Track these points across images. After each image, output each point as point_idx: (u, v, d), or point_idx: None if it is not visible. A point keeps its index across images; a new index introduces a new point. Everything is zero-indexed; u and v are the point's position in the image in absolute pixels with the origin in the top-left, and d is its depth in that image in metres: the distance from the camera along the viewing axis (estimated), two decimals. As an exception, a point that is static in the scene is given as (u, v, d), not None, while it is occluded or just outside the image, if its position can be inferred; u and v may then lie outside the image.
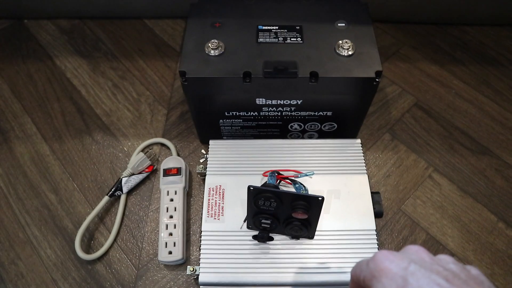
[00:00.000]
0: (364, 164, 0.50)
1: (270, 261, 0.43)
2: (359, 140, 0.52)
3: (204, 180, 0.49)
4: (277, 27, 0.51)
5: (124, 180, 0.55)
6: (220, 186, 0.48)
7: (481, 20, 0.75)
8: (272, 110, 0.52)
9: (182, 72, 0.46)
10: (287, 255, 0.43)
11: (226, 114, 0.53)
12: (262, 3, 0.54)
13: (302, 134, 0.57)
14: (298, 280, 0.42)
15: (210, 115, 0.54)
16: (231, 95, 0.49)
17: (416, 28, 0.75)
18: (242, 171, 0.49)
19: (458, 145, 0.61)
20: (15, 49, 0.74)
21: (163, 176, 0.54)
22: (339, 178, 0.48)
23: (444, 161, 0.59)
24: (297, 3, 0.54)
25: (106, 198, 0.54)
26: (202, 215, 0.46)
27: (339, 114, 0.53)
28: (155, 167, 0.58)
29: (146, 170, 0.57)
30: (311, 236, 0.44)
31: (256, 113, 0.52)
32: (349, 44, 0.48)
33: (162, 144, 0.61)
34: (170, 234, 0.50)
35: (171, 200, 0.53)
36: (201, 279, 0.42)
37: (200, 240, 0.44)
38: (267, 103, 0.50)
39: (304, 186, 0.46)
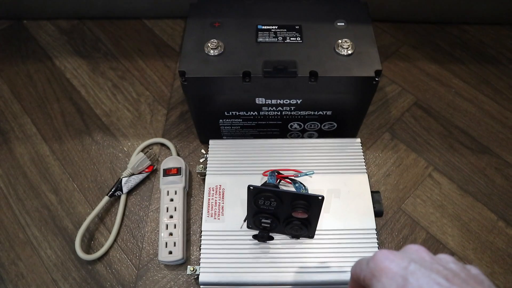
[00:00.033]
0: (364, 163, 0.50)
1: (270, 261, 0.43)
2: (359, 139, 0.52)
3: (204, 180, 0.49)
4: (276, 27, 0.51)
5: (124, 180, 0.55)
6: (220, 185, 0.48)
7: (480, 19, 0.75)
8: (272, 109, 0.52)
9: (181, 72, 0.47)
10: (287, 254, 0.43)
11: (226, 113, 0.53)
12: (261, 2, 0.54)
13: (302, 134, 0.57)
14: (298, 279, 0.42)
15: (210, 115, 0.54)
16: (230, 94, 0.49)
17: (416, 27, 0.75)
18: (242, 171, 0.49)
19: (458, 144, 0.61)
20: (14, 50, 0.74)
21: (163, 176, 0.54)
22: (339, 178, 0.48)
23: (444, 160, 0.59)
24: (296, 2, 0.54)
25: (106, 198, 0.54)
26: (202, 215, 0.46)
27: (339, 114, 0.53)
28: (155, 167, 0.58)
29: (146, 170, 0.57)
30: (311, 236, 0.44)
31: (255, 112, 0.53)
32: (348, 44, 0.48)
33: (162, 144, 0.61)
34: (170, 234, 0.50)
35: (171, 200, 0.53)
36: (202, 278, 0.42)
37: (200, 240, 0.45)
38: (266, 102, 0.50)
39: (304, 186, 0.46)
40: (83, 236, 0.52)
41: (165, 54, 0.72)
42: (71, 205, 0.56)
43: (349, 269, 0.31)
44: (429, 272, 0.23)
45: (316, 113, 0.52)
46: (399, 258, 0.25)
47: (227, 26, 0.51)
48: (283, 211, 0.41)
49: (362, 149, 0.51)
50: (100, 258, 0.51)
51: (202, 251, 0.44)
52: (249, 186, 0.39)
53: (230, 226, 0.45)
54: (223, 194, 0.47)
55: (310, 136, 0.58)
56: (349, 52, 0.48)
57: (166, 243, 0.49)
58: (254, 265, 0.43)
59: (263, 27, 0.51)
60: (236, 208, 0.46)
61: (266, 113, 0.53)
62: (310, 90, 0.48)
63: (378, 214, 0.46)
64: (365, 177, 0.48)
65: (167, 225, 0.51)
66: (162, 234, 0.50)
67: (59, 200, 0.56)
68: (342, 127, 0.55)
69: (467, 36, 0.74)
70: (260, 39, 0.50)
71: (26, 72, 0.71)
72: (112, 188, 0.55)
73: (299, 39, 0.50)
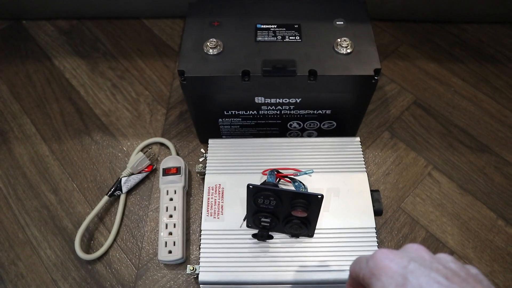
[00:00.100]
0: (364, 162, 0.50)
1: (269, 260, 0.43)
2: (358, 138, 0.52)
3: (203, 179, 0.49)
4: (275, 26, 0.51)
5: (123, 180, 0.55)
6: (220, 185, 0.48)
7: (479, 18, 0.75)
8: (271, 108, 0.52)
9: (180, 71, 0.46)
10: (287, 253, 0.43)
11: (225, 113, 0.53)
12: (260, 2, 0.54)
13: (301, 133, 0.57)
14: (298, 278, 0.42)
15: (209, 114, 0.54)
16: (230, 94, 0.49)
17: (415, 26, 0.75)
18: (242, 170, 0.49)
19: (457, 143, 0.61)
20: (13, 50, 0.74)
21: (163, 175, 0.54)
22: (338, 176, 0.48)
23: (444, 159, 0.59)
24: (295, 1, 0.54)
25: (105, 198, 0.54)
26: (201, 214, 0.46)
27: (338, 112, 0.53)
28: (154, 167, 0.58)
29: (146, 169, 0.57)
30: (310, 235, 0.44)
31: (255, 111, 0.52)
32: (347, 42, 0.48)
33: (162, 144, 0.61)
34: (170, 233, 0.50)
35: (171, 199, 0.53)
36: (201, 278, 0.42)
37: (200, 239, 0.44)
38: (266, 101, 0.50)
39: (303, 185, 0.46)
40: (82, 236, 0.52)
41: (164, 54, 0.72)
42: (71, 205, 0.56)
43: (348, 268, 0.31)
44: (429, 271, 0.23)
45: (315, 112, 0.52)
46: (398, 257, 0.25)
47: (226, 25, 0.51)
48: (282, 210, 0.41)
49: (361, 148, 0.51)
50: (99, 258, 0.51)
51: (201, 250, 0.44)
52: (248, 185, 0.39)
53: (229, 225, 0.45)
54: (222, 193, 0.47)
55: (309, 135, 0.58)
56: (348, 51, 0.48)
57: (166, 242, 0.49)
58: (254, 264, 0.43)
59: (262, 26, 0.51)
60: (236, 207, 0.46)
61: (266, 112, 0.53)
62: (309, 89, 0.48)
63: (377, 213, 0.46)
64: (364, 176, 0.48)
65: (166, 225, 0.51)
66: (162, 234, 0.50)
67: (58, 200, 0.56)
68: (342, 126, 0.55)
69: (466, 35, 0.74)
70: (259, 38, 0.50)
71: (25, 72, 0.71)
72: (111, 188, 0.55)
73: (298, 38, 0.50)
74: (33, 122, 0.64)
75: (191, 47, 0.49)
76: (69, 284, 0.50)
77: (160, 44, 0.74)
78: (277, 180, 0.47)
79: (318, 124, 0.55)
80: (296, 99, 0.50)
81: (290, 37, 0.50)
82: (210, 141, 0.52)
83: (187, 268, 0.43)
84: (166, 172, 0.54)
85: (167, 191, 0.53)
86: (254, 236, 0.43)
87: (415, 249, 0.26)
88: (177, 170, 0.54)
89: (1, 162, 0.60)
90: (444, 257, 0.26)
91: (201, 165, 0.52)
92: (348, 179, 0.48)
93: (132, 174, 0.56)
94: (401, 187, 0.57)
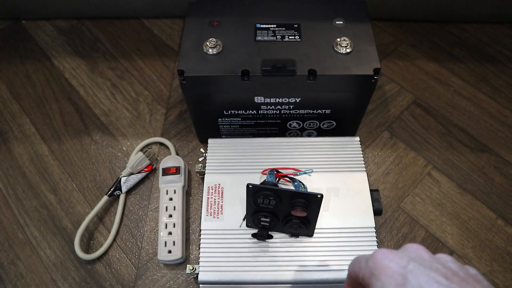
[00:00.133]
0: (363, 162, 0.50)
1: (269, 259, 0.43)
2: (358, 138, 0.52)
3: (203, 179, 0.49)
4: (275, 25, 0.51)
5: (123, 179, 0.55)
6: (219, 184, 0.48)
7: (479, 18, 0.75)
8: (271, 108, 0.52)
9: (180, 71, 0.46)
10: (287, 253, 0.43)
11: (225, 112, 0.53)
12: (260, 1, 0.54)
13: (301, 132, 0.57)
14: (298, 278, 0.42)
15: (208, 114, 0.54)
16: (229, 93, 0.49)
17: (415, 26, 0.75)
18: (241, 170, 0.49)
19: (457, 142, 0.61)
20: (13, 50, 0.74)
21: (162, 175, 0.54)
22: (338, 176, 0.48)
23: (443, 158, 0.59)
24: (295, 1, 0.54)
25: (105, 197, 0.54)
26: (201, 213, 0.46)
27: (338, 112, 0.53)
28: (154, 167, 0.58)
29: (145, 169, 0.57)
30: (310, 234, 0.44)
31: (254, 111, 0.52)
32: (347, 42, 0.48)
33: (161, 144, 0.61)
34: (170, 233, 0.50)
35: (170, 199, 0.53)
36: (201, 277, 0.42)
37: (200, 238, 0.44)
38: (265, 101, 0.50)
39: (303, 184, 0.46)
40: (82, 236, 0.52)
41: (164, 54, 0.72)
42: (70, 205, 0.56)
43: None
44: (429, 270, 0.23)
45: (315, 111, 0.52)
46: (398, 257, 0.25)
47: (226, 25, 0.51)
48: (282, 210, 0.41)
49: (361, 147, 0.51)
50: (99, 258, 0.51)
51: (201, 250, 0.44)
52: (248, 185, 0.39)
53: (229, 225, 0.45)
54: (222, 193, 0.47)
55: (309, 135, 0.58)
56: (348, 50, 0.48)
57: (166, 242, 0.49)
58: (254, 263, 0.43)
59: (261, 25, 0.51)
60: (235, 207, 0.46)
61: (265, 111, 0.53)
62: (309, 88, 0.48)
63: (377, 212, 0.46)
64: (364, 176, 0.48)
65: (166, 224, 0.51)
66: (161, 233, 0.50)
67: (58, 200, 0.56)
68: (341, 125, 0.55)
69: (466, 34, 0.74)
70: (258, 38, 0.50)
71: (24, 72, 0.71)
72: (111, 188, 0.55)
73: (298, 37, 0.50)
74: (32, 122, 0.64)
75: (191, 46, 0.49)
76: (68, 284, 0.50)
77: (159, 44, 0.74)
78: (277, 179, 0.47)
79: (318, 123, 0.55)
80: (296, 99, 0.50)
81: (290, 37, 0.50)
82: (210, 140, 0.52)
83: (187, 268, 0.43)
84: (166, 171, 0.54)
85: (167, 190, 0.53)
86: (253, 235, 0.43)
87: (414, 249, 0.26)
88: (177, 170, 0.54)
89: (0, 162, 0.60)
90: (443, 257, 0.26)
91: (200, 164, 0.52)
92: (348, 178, 0.48)
93: (132, 174, 0.56)
94: (401, 187, 0.57)
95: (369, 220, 0.45)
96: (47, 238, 0.53)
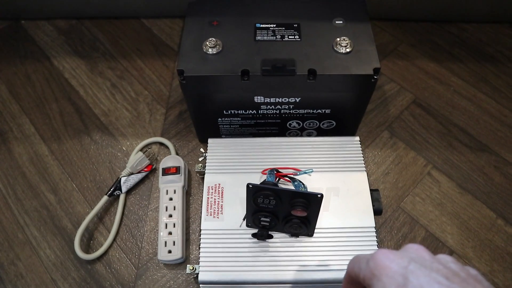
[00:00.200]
0: (363, 162, 0.50)
1: (269, 259, 0.43)
2: (357, 138, 0.52)
3: (203, 178, 0.49)
4: (275, 25, 0.51)
5: (123, 179, 0.55)
6: (219, 184, 0.48)
7: (479, 18, 0.75)
8: (271, 108, 0.52)
9: (180, 71, 0.46)
10: (287, 253, 0.43)
11: (225, 112, 0.53)
12: (259, 1, 0.54)
13: (300, 132, 0.57)
14: (298, 278, 0.42)
15: (208, 113, 0.54)
16: (229, 93, 0.49)
17: (414, 25, 0.75)
18: (241, 170, 0.49)
19: (456, 142, 0.61)
20: (12, 50, 0.74)
21: (162, 175, 0.54)
22: (338, 176, 0.48)
23: (443, 158, 0.59)
24: (295, 1, 0.54)
25: (105, 197, 0.54)
26: (201, 213, 0.46)
27: (338, 112, 0.53)
28: (154, 166, 0.58)
29: (145, 169, 0.57)
30: (310, 234, 0.44)
31: (254, 111, 0.52)
32: (347, 42, 0.48)
33: (161, 143, 0.61)
34: (170, 233, 0.50)
35: (170, 199, 0.52)
36: (201, 277, 0.42)
37: (200, 238, 0.44)
38: (265, 101, 0.50)
39: (303, 184, 0.46)
40: (82, 236, 0.52)
41: (164, 54, 0.72)
42: (70, 205, 0.56)
43: (348, 267, 0.31)
44: (429, 271, 0.23)
45: (315, 111, 0.52)
46: (399, 257, 0.25)
47: (226, 24, 0.51)
48: (282, 210, 0.41)
49: (361, 147, 0.51)
50: (99, 258, 0.51)
51: (201, 250, 0.44)
52: (248, 185, 0.39)
53: (229, 224, 0.45)
54: (222, 192, 0.47)
55: (309, 135, 0.58)
56: (348, 50, 0.48)
57: (166, 242, 0.49)
58: (254, 263, 0.43)
59: (261, 25, 0.51)
60: (235, 207, 0.46)
61: (265, 111, 0.52)
62: (309, 88, 0.48)
63: (377, 212, 0.46)
64: (364, 175, 0.48)
65: (166, 224, 0.51)
66: (162, 233, 0.50)
67: (58, 200, 0.56)
68: (341, 125, 0.55)
69: (465, 34, 0.74)
70: (258, 38, 0.50)
71: (24, 72, 0.71)
72: (111, 188, 0.55)
73: (298, 37, 0.50)
74: (32, 122, 0.64)
75: (191, 46, 0.49)
76: (68, 284, 0.50)
77: (159, 44, 0.74)
78: (277, 179, 0.47)
79: (318, 123, 0.55)
80: (296, 99, 0.50)
81: (290, 37, 0.50)
82: (210, 140, 0.52)
83: (187, 268, 0.43)
84: (166, 171, 0.54)
85: (167, 190, 0.53)
86: (253, 235, 0.43)
87: (415, 249, 0.26)
88: (177, 170, 0.54)
89: (0, 162, 0.60)
90: (444, 257, 0.26)
91: (200, 164, 0.52)
92: (348, 178, 0.48)
93: (132, 173, 0.55)
94: (401, 187, 0.57)
95: (369, 220, 0.45)
96: (47, 238, 0.53)
